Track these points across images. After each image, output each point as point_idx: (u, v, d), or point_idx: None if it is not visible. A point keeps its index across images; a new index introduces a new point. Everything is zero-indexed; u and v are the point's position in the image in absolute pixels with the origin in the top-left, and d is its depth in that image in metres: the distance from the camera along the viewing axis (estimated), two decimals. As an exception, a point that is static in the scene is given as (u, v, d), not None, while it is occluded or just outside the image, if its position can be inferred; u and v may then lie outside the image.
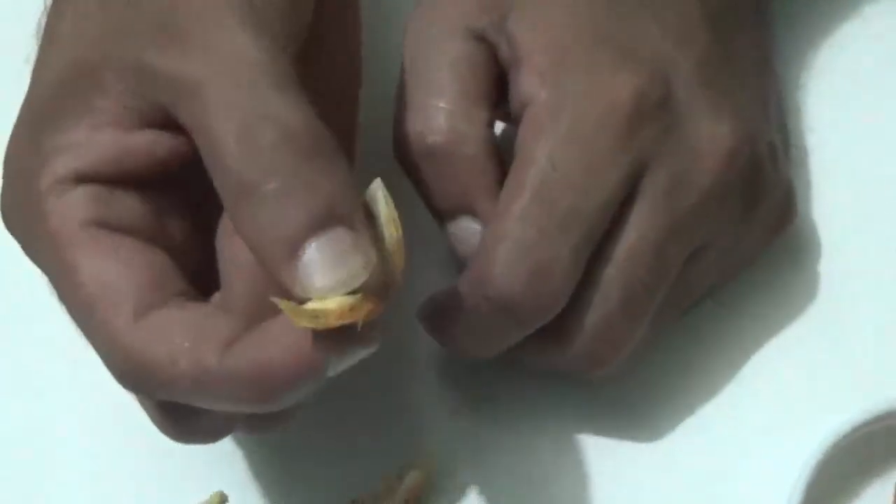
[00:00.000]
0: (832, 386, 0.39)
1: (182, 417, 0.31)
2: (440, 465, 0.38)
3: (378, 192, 0.28)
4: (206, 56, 0.28)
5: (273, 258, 0.27)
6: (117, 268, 0.29)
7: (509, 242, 0.34)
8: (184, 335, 0.28)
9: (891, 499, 0.36)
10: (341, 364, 0.28)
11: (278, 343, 0.28)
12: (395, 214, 0.29)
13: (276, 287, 0.28)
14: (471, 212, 0.36)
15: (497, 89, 0.37)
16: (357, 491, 0.38)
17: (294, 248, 0.27)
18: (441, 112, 0.36)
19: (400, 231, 0.28)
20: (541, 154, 0.34)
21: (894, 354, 0.40)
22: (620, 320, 0.35)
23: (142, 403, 0.32)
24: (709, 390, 0.39)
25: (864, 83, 0.44)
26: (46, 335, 0.40)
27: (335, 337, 0.27)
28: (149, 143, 0.30)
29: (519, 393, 0.39)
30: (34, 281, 0.33)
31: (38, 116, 0.31)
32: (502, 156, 0.37)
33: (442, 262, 0.39)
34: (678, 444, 0.39)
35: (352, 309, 0.27)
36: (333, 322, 0.27)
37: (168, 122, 0.30)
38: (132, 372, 0.29)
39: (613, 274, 0.35)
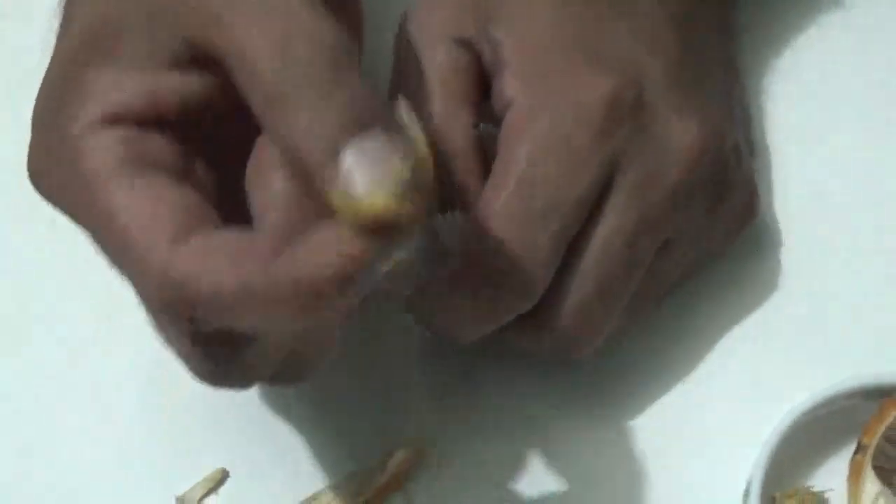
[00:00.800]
0: (791, 370, 0.40)
1: (218, 358, 0.30)
2: (427, 443, 0.39)
3: (404, 112, 0.28)
4: None
5: (314, 161, 0.27)
6: (153, 200, 0.29)
7: (492, 234, 0.34)
8: (225, 252, 0.28)
9: (846, 474, 0.36)
10: (384, 259, 0.27)
11: (321, 246, 0.27)
12: (420, 130, 0.28)
13: (312, 211, 0.28)
14: (457, 205, 0.36)
15: (480, 92, 0.37)
16: (350, 467, 0.38)
17: (334, 149, 0.27)
18: (430, 114, 0.36)
19: (426, 145, 0.28)
20: (522, 152, 0.35)
21: (848, 342, 0.40)
22: (596, 307, 0.36)
23: (177, 346, 0.31)
24: (678, 373, 0.40)
25: (822, 87, 0.44)
26: (64, 308, 0.40)
27: (377, 231, 0.27)
28: (177, 84, 0.30)
29: (500, 375, 0.40)
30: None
31: (66, 68, 0.30)
32: (486, 153, 0.37)
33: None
34: (650, 423, 0.39)
35: (397, 206, 0.26)
36: (381, 214, 0.26)
37: (195, 61, 0.29)
38: (173, 294, 0.28)
39: (589, 263, 0.35)
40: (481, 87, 0.37)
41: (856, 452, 0.36)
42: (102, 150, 0.29)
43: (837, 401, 0.36)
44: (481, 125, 0.37)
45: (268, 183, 0.29)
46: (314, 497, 0.38)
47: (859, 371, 0.37)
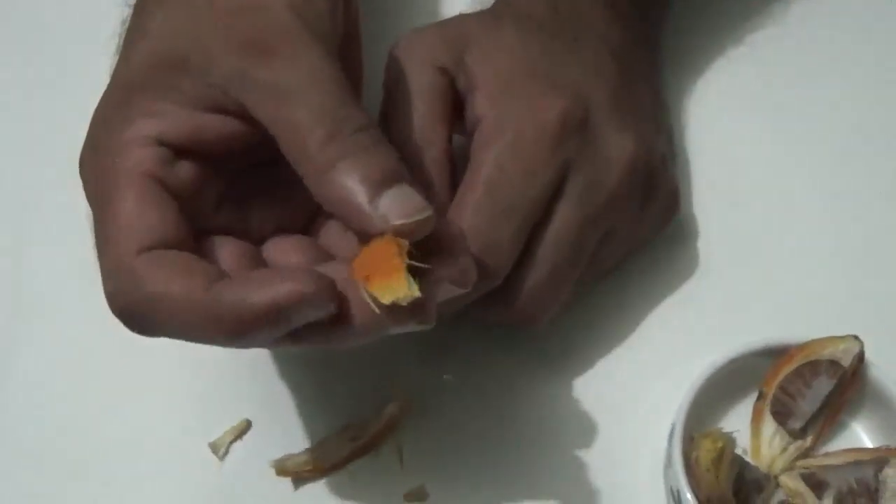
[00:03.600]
0: (706, 334, 0.41)
1: None
2: (413, 398, 0.40)
3: None
4: (295, 69, 0.29)
5: (358, 207, 0.28)
6: (146, 212, 0.29)
7: (465, 227, 0.35)
8: (176, 269, 0.28)
9: (749, 417, 0.39)
10: (297, 320, 0.28)
11: (257, 286, 0.28)
12: None
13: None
14: (433, 202, 0.35)
15: (454, 110, 0.38)
16: (349, 419, 0.40)
17: (374, 196, 0.28)
18: (414, 127, 0.37)
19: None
20: (489, 159, 0.36)
21: (751, 312, 0.42)
22: (549, 286, 0.37)
23: None
24: (617, 339, 0.42)
25: (732, 107, 0.47)
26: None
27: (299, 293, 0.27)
28: (219, 124, 0.31)
29: (472, 343, 0.41)
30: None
31: (131, 83, 0.31)
32: (456, 161, 0.37)
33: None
34: (595, 378, 0.41)
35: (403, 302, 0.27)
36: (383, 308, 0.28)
37: (231, 112, 0.30)
38: (126, 297, 0.28)
39: (544, 251, 0.37)
40: (455, 107, 0.38)
41: (758, 400, 0.38)
42: (137, 159, 0.30)
43: (742, 359, 0.38)
44: (454, 137, 0.38)
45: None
46: (320, 442, 0.39)
47: (758, 335, 0.38)
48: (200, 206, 0.32)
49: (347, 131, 0.29)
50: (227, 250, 0.32)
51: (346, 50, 0.34)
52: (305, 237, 0.34)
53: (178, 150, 0.31)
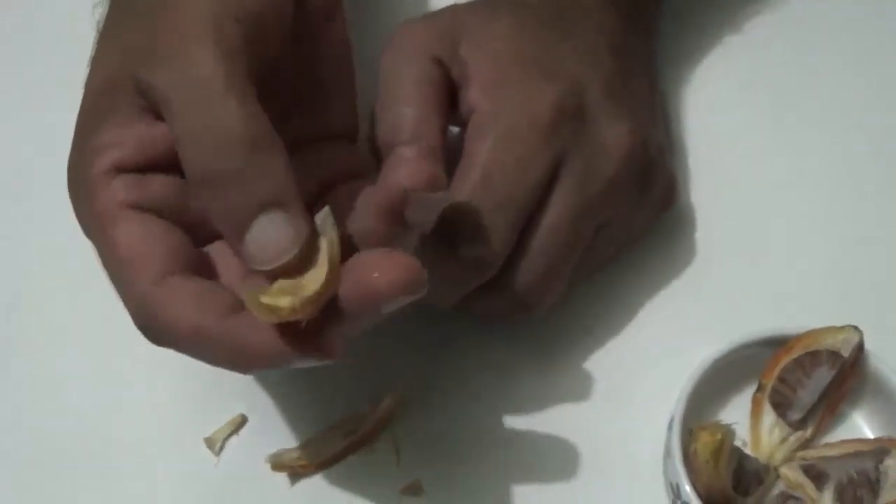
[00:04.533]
0: (705, 325, 0.41)
1: None
2: (408, 392, 0.40)
3: (327, 218, 0.28)
4: (175, 75, 0.28)
5: (228, 237, 0.28)
6: (145, 242, 0.29)
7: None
8: (190, 300, 0.29)
9: (748, 409, 0.38)
10: (299, 363, 0.28)
11: (258, 330, 0.28)
12: (335, 237, 0.28)
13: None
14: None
15: (449, 101, 0.38)
16: (345, 413, 0.39)
17: (241, 229, 0.28)
18: (409, 117, 0.36)
19: (338, 250, 0.28)
20: (484, 149, 0.35)
21: (748, 303, 0.42)
22: (545, 277, 0.37)
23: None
24: (614, 330, 0.41)
25: (730, 96, 0.46)
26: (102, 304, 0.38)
27: (299, 341, 0.27)
28: (164, 130, 0.30)
29: (470, 336, 0.41)
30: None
31: (82, 125, 0.31)
32: (452, 152, 0.36)
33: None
34: (593, 370, 0.40)
35: (299, 308, 0.27)
36: (286, 316, 0.26)
37: None
38: (148, 324, 0.29)
39: (540, 241, 0.36)
40: (450, 97, 0.38)
41: (756, 391, 0.38)
42: (110, 195, 0.30)
43: (741, 350, 0.38)
44: (450, 128, 0.38)
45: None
46: (316, 437, 0.39)
47: (757, 326, 0.38)
48: (192, 210, 0.31)
49: (212, 143, 0.27)
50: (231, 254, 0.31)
51: (315, 37, 0.33)
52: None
53: (142, 169, 0.30)
